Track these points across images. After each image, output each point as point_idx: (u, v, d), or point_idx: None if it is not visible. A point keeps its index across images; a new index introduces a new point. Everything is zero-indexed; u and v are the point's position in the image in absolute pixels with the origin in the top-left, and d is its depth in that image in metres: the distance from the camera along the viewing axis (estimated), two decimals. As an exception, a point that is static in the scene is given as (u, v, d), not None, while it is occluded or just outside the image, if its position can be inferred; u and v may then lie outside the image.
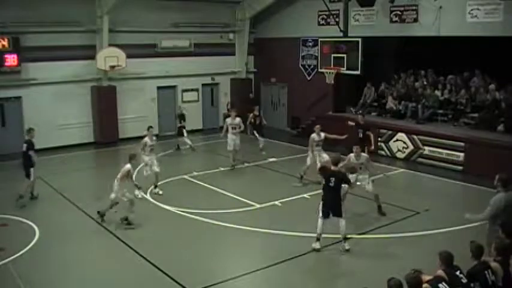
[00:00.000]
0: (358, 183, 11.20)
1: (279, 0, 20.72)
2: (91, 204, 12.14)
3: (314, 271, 8.69)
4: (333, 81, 18.24)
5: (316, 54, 19.41)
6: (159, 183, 13.06)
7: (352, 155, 11.26)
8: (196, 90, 21.98)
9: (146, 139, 12.77)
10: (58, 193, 13.05)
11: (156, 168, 12.86)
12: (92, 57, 18.30)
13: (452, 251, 5.96)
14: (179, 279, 8.21)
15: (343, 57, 17.25)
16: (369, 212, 11.61)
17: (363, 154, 11.51)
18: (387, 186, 13.71)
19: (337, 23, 18.19)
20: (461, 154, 14.84)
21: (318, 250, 9.27)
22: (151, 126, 13.25)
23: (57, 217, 11.40)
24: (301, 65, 21.17)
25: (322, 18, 20.01)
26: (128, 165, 10.71)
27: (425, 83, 17.80)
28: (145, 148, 12.71)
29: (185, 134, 17.75)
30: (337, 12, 18.60)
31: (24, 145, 12.34)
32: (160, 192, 12.90)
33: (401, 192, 13.47)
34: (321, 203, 9.42)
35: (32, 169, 12.31)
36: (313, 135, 13.72)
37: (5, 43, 16.49)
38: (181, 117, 18.10)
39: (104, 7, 18.00)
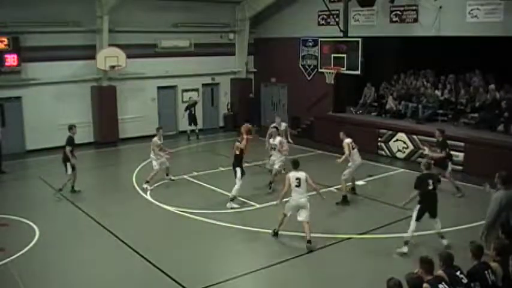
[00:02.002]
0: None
1: (279, 0, 20.72)
2: (91, 204, 12.17)
3: (314, 271, 8.70)
4: (333, 81, 18.24)
5: (316, 54, 19.41)
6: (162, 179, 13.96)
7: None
8: (196, 90, 21.98)
9: (155, 139, 13.64)
10: (58, 193, 13.03)
11: (167, 163, 13.90)
12: (92, 57, 18.30)
13: (452, 251, 5.96)
14: (179, 279, 8.22)
15: (343, 57, 17.26)
16: (368, 212, 11.62)
17: (346, 140, 12.10)
18: (387, 186, 13.75)
19: (337, 23, 18.19)
20: (461, 154, 14.82)
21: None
22: (160, 127, 14.53)
23: (57, 217, 11.41)
24: (301, 65, 21.16)
25: (322, 18, 20.00)
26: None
27: (425, 83, 17.80)
28: (155, 147, 13.52)
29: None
30: (337, 12, 18.59)
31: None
32: (173, 178, 14.14)
33: (401, 192, 13.43)
34: (418, 206, 9.26)
35: (68, 164, 12.72)
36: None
37: (5, 43, 16.49)
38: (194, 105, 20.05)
39: (104, 7, 17.98)
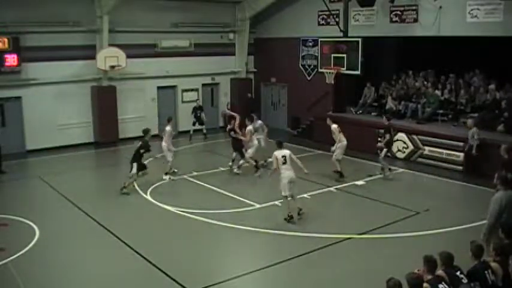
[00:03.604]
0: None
1: (279, 0, 20.72)
2: (91, 204, 12.17)
3: (314, 271, 8.68)
4: (333, 81, 18.23)
5: (316, 54, 19.40)
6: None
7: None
8: (196, 90, 21.98)
9: (169, 128, 14.19)
10: (58, 193, 13.03)
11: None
12: (92, 57, 18.30)
13: (452, 251, 5.95)
14: (179, 279, 8.21)
15: (343, 57, 17.25)
16: (368, 212, 11.63)
17: (333, 125, 14.00)
18: (387, 186, 13.75)
19: (337, 23, 18.18)
20: (461, 154, 14.83)
21: None
22: (171, 117, 14.96)
23: (57, 217, 11.40)
24: (301, 65, 21.16)
25: (322, 18, 20.00)
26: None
27: (425, 83, 17.79)
28: (169, 136, 14.12)
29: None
30: (337, 12, 18.59)
31: (140, 143, 13.28)
32: (174, 178, 14.34)
33: (401, 192, 13.47)
34: None
35: (135, 164, 12.95)
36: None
37: (5, 43, 16.48)
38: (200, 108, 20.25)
39: (104, 7, 17.99)
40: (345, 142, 13.90)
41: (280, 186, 10.72)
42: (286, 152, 10.84)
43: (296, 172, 10.78)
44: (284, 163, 10.65)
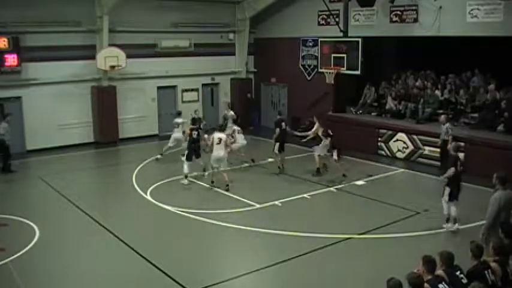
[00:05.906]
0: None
1: (279, 0, 20.72)
2: (91, 204, 12.17)
3: (314, 271, 8.69)
4: (333, 81, 18.22)
5: (316, 54, 19.40)
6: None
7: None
8: (196, 90, 21.99)
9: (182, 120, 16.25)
10: (58, 193, 13.04)
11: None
12: (92, 57, 18.29)
13: (453, 251, 5.95)
14: (179, 279, 8.22)
15: (343, 57, 17.23)
16: (368, 212, 11.63)
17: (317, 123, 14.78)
18: (387, 186, 13.75)
19: (337, 23, 18.18)
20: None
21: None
22: (181, 111, 16.58)
23: (57, 217, 11.41)
24: (301, 65, 21.16)
25: (322, 18, 20.00)
26: None
27: (425, 83, 17.79)
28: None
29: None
30: (337, 12, 18.58)
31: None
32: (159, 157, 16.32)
33: (401, 192, 13.47)
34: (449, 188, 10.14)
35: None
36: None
37: (5, 43, 16.47)
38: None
39: (104, 7, 17.99)
40: (326, 142, 14.24)
41: (210, 161, 13.21)
42: (222, 135, 13.24)
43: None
44: (218, 143, 12.93)
